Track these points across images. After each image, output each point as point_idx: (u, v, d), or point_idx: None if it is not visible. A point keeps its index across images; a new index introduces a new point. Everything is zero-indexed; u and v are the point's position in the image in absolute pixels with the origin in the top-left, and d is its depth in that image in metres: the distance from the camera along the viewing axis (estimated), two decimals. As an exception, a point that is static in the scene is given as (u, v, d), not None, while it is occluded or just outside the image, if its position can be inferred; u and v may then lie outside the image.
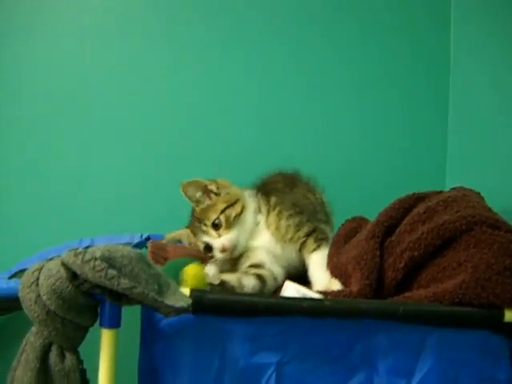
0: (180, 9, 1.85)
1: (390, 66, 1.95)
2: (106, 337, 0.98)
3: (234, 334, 1.01)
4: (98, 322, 1.00)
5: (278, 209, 1.39)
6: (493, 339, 1.05)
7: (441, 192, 1.32)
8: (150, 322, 1.01)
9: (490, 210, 1.20)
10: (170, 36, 1.84)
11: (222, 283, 1.16)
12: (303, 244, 1.35)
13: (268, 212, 1.40)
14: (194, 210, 1.42)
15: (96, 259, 0.90)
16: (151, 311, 0.98)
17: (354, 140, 1.91)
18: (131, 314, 1.02)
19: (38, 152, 1.75)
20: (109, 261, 0.91)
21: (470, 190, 1.30)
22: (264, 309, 1.01)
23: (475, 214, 1.13)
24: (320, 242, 1.34)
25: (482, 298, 1.03)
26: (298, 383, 1.03)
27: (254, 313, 1.01)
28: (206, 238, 1.37)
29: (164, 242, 1.53)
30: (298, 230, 1.35)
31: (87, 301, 0.96)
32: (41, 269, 0.96)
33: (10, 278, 1.45)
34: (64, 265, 0.93)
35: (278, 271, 1.35)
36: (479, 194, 1.30)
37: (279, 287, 1.26)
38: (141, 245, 1.54)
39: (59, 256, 0.96)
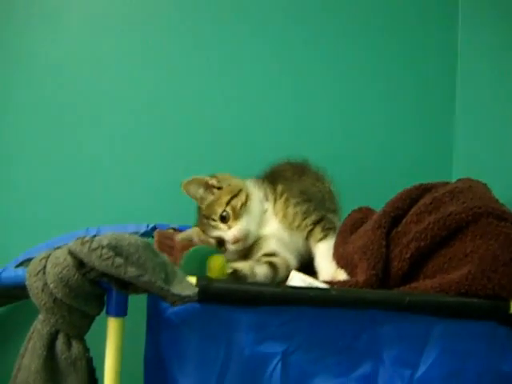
0: (179, 6, 1.85)
1: (397, 59, 1.94)
2: (113, 325, 0.98)
3: (240, 324, 1.01)
4: (104, 310, 1.00)
5: (285, 196, 1.39)
6: (499, 330, 1.05)
7: (447, 183, 1.31)
8: (156, 311, 1.01)
9: (496, 201, 1.20)
10: (172, 34, 1.84)
11: (235, 271, 1.16)
12: (310, 232, 1.34)
13: (275, 200, 1.40)
14: (199, 208, 1.42)
15: (103, 247, 0.90)
16: (157, 300, 0.98)
17: (361, 132, 1.90)
18: (137, 303, 1.02)
19: (46, 142, 1.75)
20: (116, 249, 0.91)
21: (477, 181, 1.30)
22: (270, 298, 1.01)
23: (482, 205, 1.13)
24: (327, 231, 1.34)
25: (488, 289, 1.03)
26: (303, 373, 1.03)
27: (260, 302, 1.01)
28: (216, 233, 1.36)
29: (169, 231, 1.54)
30: (306, 218, 1.35)
31: (94, 289, 0.96)
32: (48, 257, 0.96)
33: (17, 266, 1.45)
34: (71, 253, 0.93)
35: (291, 259, 1.35)
36: (486, 185, 1.29)
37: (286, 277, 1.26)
38: (147, 234, 1.55)
39: (66, 245, 0.96)
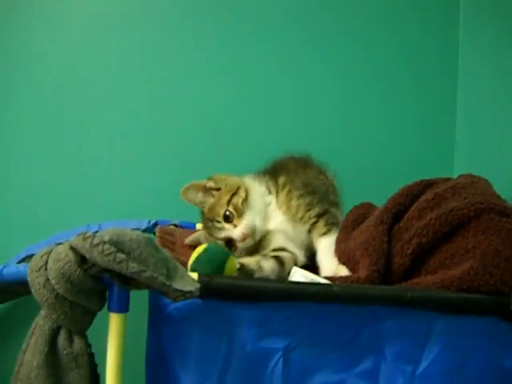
0: (179, 6, 1.85)
1: (399, 56, 1.95)
2: (114, 321, 0.98)
3: (242, 319, 1.01)
4: (106, 306, 1.00)
5: (287, 188, 1.39)
6: (501, 326, 1.05)
7: (449, 179, 1.31)
8: (157, 307, 1.01)
9: (498, 197, 1.20)
10: (172, 34, 1.85)
11: (242, 267, 1.16)
12: (313, 225, 1.34)
13: (277, 192, 1.40)
14: (202, 213, 1.42)
15: (105, 243, 0.90)
16: (159, 296, 0.98)
17: (363, 129, 1.91)
18: (139, 299, 1.02)
19: (47, 139, 1.76)
20: (117, 245, 0.91)
21: (479, 177, 1.30)
22: (272, 294, 1.01)
23: (483, 201, 1.13)
24: (330, 226, 1.34)
25: (490, 284, 1.03)
26: (305, 369, 1.03)
27: (261, 298, 1.01)
28: (223, 234, 1.35)
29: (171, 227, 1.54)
30: (309, 210, 1.35)
31: (96, 285, 0.96)
32: (49, 253, 0.96)
33: (19, 262, 1.46)
34: (73, 248, 0.93)
35: (299, 254, 1.34)
36: (487, 181, 1.29)
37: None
38: (148, 230, 1.56)
39: (68, 240, 0.96)
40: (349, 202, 1.45)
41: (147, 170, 1.79)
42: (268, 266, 1.24)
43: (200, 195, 1.40)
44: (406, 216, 1.20)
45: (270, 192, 1.42)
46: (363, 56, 1.92)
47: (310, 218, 1.35)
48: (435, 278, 1.08)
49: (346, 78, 1.92)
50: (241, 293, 1.00)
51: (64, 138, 1.76)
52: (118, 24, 1.82)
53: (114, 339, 0.98)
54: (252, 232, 1.33)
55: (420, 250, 1.13)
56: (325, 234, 1.33)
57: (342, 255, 1.26)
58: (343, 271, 1.22)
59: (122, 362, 0.99)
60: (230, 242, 1.35)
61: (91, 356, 0.99)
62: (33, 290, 0.97)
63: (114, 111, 1.79)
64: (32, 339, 0.97)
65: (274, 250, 1.32)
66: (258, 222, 1.35)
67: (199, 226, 1.57)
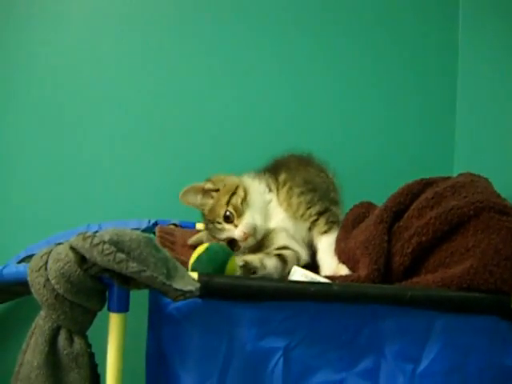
0: (179, 6, 1.85)
1: (399, 56, 1.95)
2: (114, 321, 0.98)
3: (242, 319, 1.01)
4: (106, 306, 1.00)
5: (288, 185, 1.39)
6: (501, 325, 1.05)
7: (449, 178, 1.31)
8: (157, 307, 1.01)
9: (498, 195, 1.20)
10: (172, 34, 1.85)
11: (246, 264, 1.16)
12: (314, 223, 1.35)
13: (277, 190, 1.40)
14: (203, 215, 1.41)
15: (104, 243, 0.90)
16: (159, 295, 0.98)
17: (363, 127, 1.91)
18: (139, 299, 1.02)
19: (48, 140, 1.76)
20: (117, 244, 0.91)
21: (478, 175, 1.30)
22: (272, 293, 1.01)
23: (483, 200, 1.13)
24: (331, 224, 1.34)
25: (490, 283, 1.03)
26: (305, 368, 1.03)
27: (261, 297, 1.01)
28: (224, 235, 1.35)
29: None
30: (310, 207, 1.35)
31: (95, 285, 0.96)
32: (49, 253, 0.96)
33: (19, 263, 1.46)
34: (72, 248, 0.93)
35: (302, 251, 1.34)
36: (487, 179, 1.29)
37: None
38: (148, 230, 1.56)
39: (67, 240, 0.96)
40: (349, 200, 1.45)
41: (147, 170, 1.79)
42: (271, 263, 1.24)
43: (199, 197, 1.40)
44: (405, 215, 1.20)
45: (270, 190, 1.42)
46: (363, 56, 1.92)
47: (310, 216, 1.35)
48: (435, 276, 1.08)
49: (345, 77, 1.92)
50: (241, 292, 1.00)
51: (64, 138, 1.76)
52: (117, 24, 1.82)
53: (114, 339, 0.98)
54: (253, 231, 1.32)
55: (420, 249, 1.13)
56: (325, 232, 1.33)
57: (342, 254, 1.26)
58: (343, 270, 1.22)
59: (122, 362, 0.99)
60: (232, 243, 1.34)
61: (91, 356, 0.99)
62: (33, 290, 0.97)
63: (113, 111, 1.79)
64: (32, 339, 0.97)
65: (277, 249, 1.32)
66: (259, 221, 1.35)
67: (199, 225, 1.57)
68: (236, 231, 1.33)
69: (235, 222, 1.34)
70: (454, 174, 1.37)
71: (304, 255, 1.34)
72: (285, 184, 1.39)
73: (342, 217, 1.39)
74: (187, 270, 1.03)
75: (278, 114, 1.88)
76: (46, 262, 0.95)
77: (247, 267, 1.17)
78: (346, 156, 1.84)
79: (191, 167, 1.76)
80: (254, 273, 1.19)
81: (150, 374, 1.04)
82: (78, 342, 0.98)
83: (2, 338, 1.64)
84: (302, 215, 1.35)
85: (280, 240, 1.34)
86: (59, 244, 0.98)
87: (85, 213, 1.73)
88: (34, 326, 0.98)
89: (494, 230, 1.08)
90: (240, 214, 1.34)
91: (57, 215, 1.73)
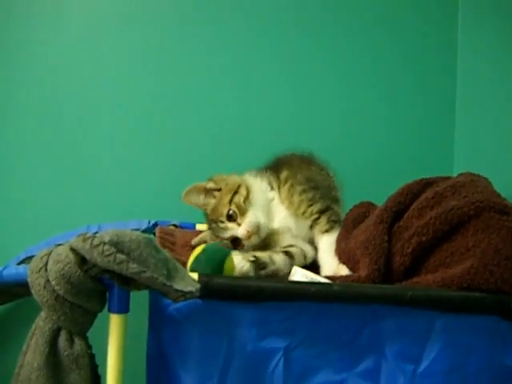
0: (179, 6, 1.85)
1: (398, 56, 1.95)
2: (115, 322, 0.98)
3: (242, 319, 1.01)
4: (106, 307, 1.00)
5: (289, 183, 1.39)
6: (501, 325, 1.05)
7: (449, 178, 1.31)
8: (158, 307, 1.01)
9: (498, 195, 1.20)
10: (172, 34, 1.84)
11: (256, 259, 1.18)
12: (316, 221, 1.35)
13: (279, 187, 1.40)
14: (206, 215, 1.41)
15: (105, 244, 0.90)
16: (159, 296, 0.98)
17: (363, 127, 1.91)
18: (139, 300, 1.02)
19: (47, 141, 1.75)
20: (117, 245, 0.91)
21: (478, 175, 1.30)
22: (272, 294, 1.01)
23: (483, 200, 1.13)
24: (332, 223, 1.34)
25: (491, 283, 1.03)
26: (306, 368, 1.03)
27: (262, 298, 1.01)
28: (228, 234, 1.35)
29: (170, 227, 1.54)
30: (311, 205, 1.35)
31: (96, 286, 0.96)
32: (49, 254, 0.96)
33: (19, 264, 1.46)
34: (73, 250, 0.93)
35: (308, 248, 1.35)
36: (487, 179, 1.29)
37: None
38: (148, 231, 1.55)
39: (67, 242, 0.96)
40: (349, 200, 1.45)
41: (147, 171, 1.79)
42: (279, 259, 1.26)
43: (201, 197, 1.40)
44: (406, 215, 1.20)
45: (272, 188, 1.42)
46: (363, 56, 1.92)
47: (312, 214, 1.35)
48: (435, 276, 1.08)
49: (345, 77, 1.92)
50: (241, 293, 1.00)
51: (64, 139, 1.76)
52: (117, 24, 1.82)
53: (115, 340, 0.98)
54: (256, 229, 1.32)
55: (420, 249, 1.13)
56: (326, 231, 1.33)
57: (343, 254, 1.26)
58: (343, 270, 1.23)
59: (123, 363, 0.99)
60: (235, 241, 1.35)
61: (92, 357, 0.99)
62: (33, 292, 0.97)
63: (113, 111, 1.79)
64: (32, 340, 0.97)
65: (283, 247, 1.33)
66: (262, 219, 1.35)
67: (199, 226, 1.57)
68: (239, 230, 1.33)
69: (238, 220, 1.34)
70: (454, 174, 1.37)
71: (310, 252, 1.35)
72: (286, 182, 1.40)
73: (343, 215, 1.39)
74: (187, 270, 1.03)
75: (278, 113, 1.87)
76: (46, 263, 0.95)
77: (257, 262, 1.18)
78: (346, 156, 1.84)
79: (191, 167, 1.76)
80: (264, 268, 1.20)
81: (150, 375, 1.04)
82: (78, 343, 0.98)
83: (3, 340, 1.64)
84: (304, 213, 1.35)
85: (285, 240, 1.35)
86: (59, 245, 0.98)
87: (85, 214, 1.73)
88: (34, 327, 0.98)
89: (494, 230, 1.08)
90: (243, 213, 1.34)
91: (57, 216, 1.73)
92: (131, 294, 0.98)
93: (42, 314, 0.97)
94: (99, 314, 1.01)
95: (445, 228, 1.11)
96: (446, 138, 1.93)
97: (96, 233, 0.94)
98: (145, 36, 1.82)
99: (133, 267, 0.90)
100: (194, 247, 1.30)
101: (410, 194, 1.24)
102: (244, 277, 1.16)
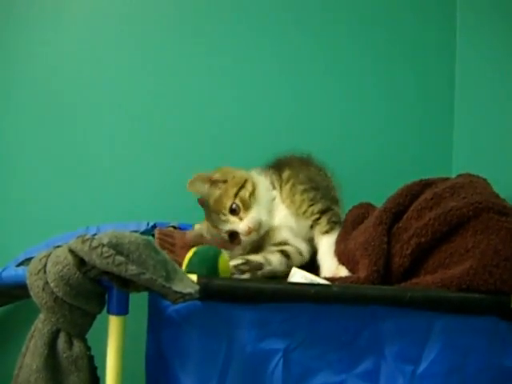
0: (179, 6, 1.85)
1: (397, 56, 1.94)
2: (114, 324, 0.98)
3: (242, 321, 1.01)
4: (105, 309, 1.00)
5: (291, 182, 1.39)
6: (500, 325, 1.05)
7: (448, 179, 1.31)
8: (157, 309, 1.01)
9: (497, 196, 1.20)
10: (172, 34, 1.84)
11: (247, 261, 1.18)
12: (316, 221, 1.35)
13: (281, 187, 1.40)
14: (207, 205, 1.41)
15: (103, 246, 0.90)
16: (158, 298, 0.98)
17: (361, 128, 1.91)
18: (138, 301, 1.02)
19: (46, 142, 1.75)
20: (116, 247, 0.91)
21: (477, 176, 1.30)
22: (271, 295, 1.01)
23: (482, 201, 1.13)
24: (333, 224, 1.34)
25: (490, 284, 1.03)
26: (305, 370, 1.03)
27: (261, 299, 1.01)
28: (228, 227, 1.35)
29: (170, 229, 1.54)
30: (312, 205, 1.35)
31: (95, 287, 0.96)
32: (48, 256, 0.96)
33: (18, 266, 1.45)
34: (71, 251, 0.93)
35: (303, 246, 1.35)
36: (486, 180, 1.29)
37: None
38: (147, 232, 1.55)
39: (66, 243, 0.96)
40: (348, 201, 1.45)
41: (146, 172, 1.78)
42: (275, 258, 1.26)
43: (206, 187, 1.40)
44: (405, 216, 1.20)
45: (274, 187, 1.42)
46: (361, 56, 1.92)
47: (312, 214, 1.35)
48: (435, 277, 1.08)
49: (344, 78, 1.91)
50: (240, 294, 1.00)
51: (64, 140, 1.76)
52: (117, 24, 1.82)
53: (114, 342, 0.98)
54: (258, 226, 1.33)
55: (419, 250, 1.13)
56: (326, 232, 1.33)
57: (342, 255, 1.26)
58: (343, 272, 1.23)
59: (122, 365, 0.99)
60: (233, 236, 1.35)
61: (91, 359, 0.99)
62: (32, 293, 0.97)
63: (113, 113, 1.79)
64: (31, 342, 0.97)
65: (278, 245, 1.33)
66: (264, 217, 1.35)
67: (198, 226, 1.57)
68: (241, 224, 1.33)
69: (241, 214, 1.34)
70: (453, 175, 1.38)
71: (305, 251, 1.35)
72: (288, 181, 1.40)
73: (342, 216, 1.39)
74: (185, 272, 1.03)
75: (278, 114, 1.87)
76: (45, 265, 0.95)
77: (252, 264, 1.19)
78: (345, 156, 1.84)
79: (191, 169, 1.74)
80: (260, 269, 1.20)
81: (149, 377, 1.04)
82: (77, 345, 0.98)
83: (2, 341, 1.63)
84: (305, 212, 1.36)
85: (279, 235, 1.35)
86: (58, 247, 0.98)
87: (84, 215, 1.73)
88: (33, 329, 0.98)
89: (493, 231, 1.07)
90: (247, 208, 1.34)
91: (56, 217, 1.72)
92: (130, 295, 0.98)
93: (41, 315, 0.97)
94: (98, 316, 1.01)
95: (444, 229, 1.11)
96: (445, 139, 1.92)
97: (95, 234, 0.94)
98: (145, 36, 1.82)
99: (132, 269, 0.90)
100: (189, 248, 1.30)
101: (409, 195, 1.24)
102: (244, 278, 1.16)
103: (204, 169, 1.45)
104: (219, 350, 1.00)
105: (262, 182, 1.42)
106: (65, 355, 0.96)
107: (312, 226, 1.36)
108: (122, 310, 0.99)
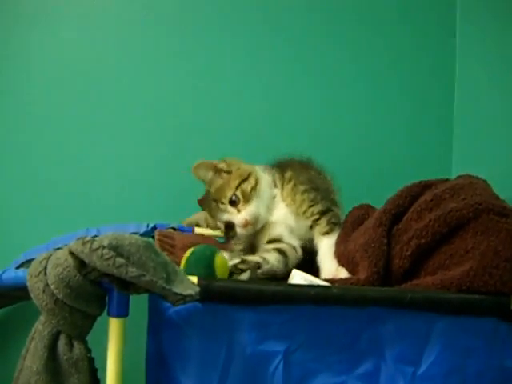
0: (179, 6, 1.86)
1: (396, 57, 1.95)
2: (114, 326, 0.98)
3: (242, 322, 1.00)
4: (105, 311, 1.00)
5: (292, 182, 1.40)
6: (501, 327, 1.05)
7: (447, 180, 1.31)
8: (157, 311, 1.01)
9: (497, 197, 1.20)
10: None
11: (243, 260, 1.18)
12: (316, 222, 1.35)
13: (282, 185, 1.41)
14: (208, 192, 1.42)
15: (104, 247, 0.90)
16: (159, 300, 0.98)
17: (361, 129, 1.91)
18: (139, 303, 1.02)
19: (46, 143, 1.76)
20: (117, 249, 0.91)
21: (477, 177, 1.30)
22: (271, 297, 1.01)
23: (482, 202, 1.13)
24: (333, 226, 1.34)
25: (490, 285, 1.03)
26: (305, 371, 1.03)
27: (261, 301, 1.01)
28: (225, 217, 1.36)
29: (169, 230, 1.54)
30: (312, 206, 1.36)
31: (95, 289, 0.96)
32: (48, 258, 0.96)
33: (18, 267, 1.45)
34: (72, 253, 0.93)
35: (297, 243, 1.36)
36: (486, 181, 1.29)
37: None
38: (147, 234, 1.55)
39: (67, 245, 0.96)
40: (348, 203, 1.45)
41: (146, 174, 1.79)
42: (272, 257, 1.26)
43: (210, 174, 1.41)
44: (405, 217, 1.20)
45: (275, 185, 1.43)
46: (362, 58, 1.92)
47: (312, 214, 1.35)
48: (435, 279, 1.08)
49: (344, 80, 1.92)
50: (240, 296, 1.00)
51: (63, 141, 1.76)
52: (117, 24, 1.82)
53: (114, 344, 0.98)
54: (255, 220, 1.34)
55: (419, 252, 1.13)
56: (326, 233, 1.33)
57: (342, 257, 1.26)
58: (343, 273, 1.23)
59: (122, 367, 0.99)
60: (229, 227, 1.36)
61: (91, 361, 0.99)
62: (32, 295, 0.96)
63: (112, 115, 1.79)
64: (31, 344, 0.96)
65: (273, 242, 1.33)
66: (262, 212, 1.36)
67: (198, 229, 1.57)
68: (238, 216, 1.34)
69: (240, 206, 1.35)
70: (453, 176, 1.37)
71: (298, 247, 1.36)
72: (290, 180, 1.41)
73: (342, 218, 1.39)
74: (185, 273, 1.03)
75: (278, 114, 1.88)
76: (46, 267, 0.95)
77: (249, 264, 1.18)
78: (345, 158, 1.84)
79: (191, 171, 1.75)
80: (259, 268, 1.20)
81: (150, 379, 1.04)
82: (77, 347, 0.97)
83: (2, 344, 1.63)
84: (305, 212, 1.36)
85: (274, 231, 1.36)
86: (58, 249, 0.98)
87: (84, 217, 1.73)
88: (33, 331, 0.98)
89: (493, 232, 1.07)
90: (246, 201, 1.35)
91: (56, 219, 1.73)
92: (130, 297, 0.98)
93: (41, 317, 0.97)
94: (98, 318, 1.01)
95: (444, 230, 1.11)
96: (445, 140, 1.93)
97: (95, 236, 0.94)
98: (145, 36, 1.82)
99: (132, 271, 0.90)
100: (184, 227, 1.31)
101: (408, 196, 1.24)
102: (244, 280, 1.16)
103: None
104: (219, 351, 1.00)
105: (265, 179, 1.42)
106: (65, 357, 0.96)
107: (311, 227, 1.36)
108: (123, 312, 0.98)
